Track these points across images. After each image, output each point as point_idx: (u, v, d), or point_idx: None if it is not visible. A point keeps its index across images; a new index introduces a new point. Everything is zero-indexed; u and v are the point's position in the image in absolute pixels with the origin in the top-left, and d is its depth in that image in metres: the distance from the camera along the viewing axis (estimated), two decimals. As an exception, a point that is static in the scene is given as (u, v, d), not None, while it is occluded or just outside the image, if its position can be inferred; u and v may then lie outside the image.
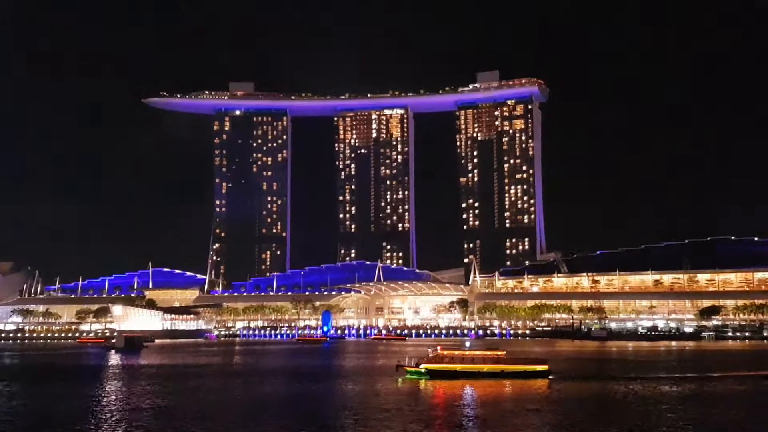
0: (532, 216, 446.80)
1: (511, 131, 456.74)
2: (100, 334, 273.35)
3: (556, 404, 74.00)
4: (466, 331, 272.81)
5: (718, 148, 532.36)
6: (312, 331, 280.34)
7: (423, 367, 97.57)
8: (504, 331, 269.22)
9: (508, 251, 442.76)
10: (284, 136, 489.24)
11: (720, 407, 72.15)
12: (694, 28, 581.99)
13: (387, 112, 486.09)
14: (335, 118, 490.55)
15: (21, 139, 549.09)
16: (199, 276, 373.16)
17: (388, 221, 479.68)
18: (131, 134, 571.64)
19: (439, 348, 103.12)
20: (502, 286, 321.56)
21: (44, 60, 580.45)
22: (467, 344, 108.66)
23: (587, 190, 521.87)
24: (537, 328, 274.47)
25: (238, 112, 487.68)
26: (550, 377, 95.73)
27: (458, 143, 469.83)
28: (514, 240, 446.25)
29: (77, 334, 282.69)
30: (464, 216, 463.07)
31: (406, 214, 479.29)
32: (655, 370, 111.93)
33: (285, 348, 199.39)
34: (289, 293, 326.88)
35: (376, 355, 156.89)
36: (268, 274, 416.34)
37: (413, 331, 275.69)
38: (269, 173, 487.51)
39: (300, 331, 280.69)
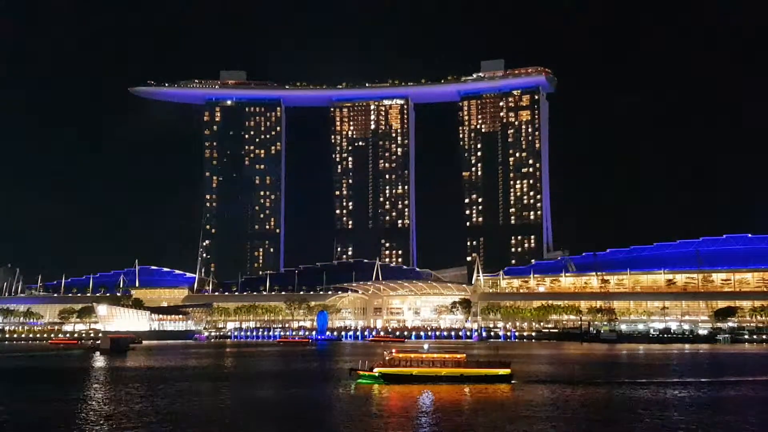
0: (539, 212, 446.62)
1: (516, 123, 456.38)
2: (75, 335, 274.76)
3: (513, 410, 73.26)
4: (468, 333, 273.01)
5: (737, 141, 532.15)
6: (294, 333, 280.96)
7: (377, 371, 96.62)
8: (509, 333, 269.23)
9: (513, 249, 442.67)
10: (278, 128, 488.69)
11: (707, 413, 72.03)
12: (716, 17, 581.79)
13: (386, 102, 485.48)
14: (331, 109, 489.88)
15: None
16: (188, 274, 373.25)
17: (387, 217, 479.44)
18: (117, 126, 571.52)
19: (393, 350, 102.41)
20: (507, 286, 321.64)
21: (24, 49, 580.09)
22: (425, 346, 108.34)
23: (596, 185, 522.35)
24: (543, 330, 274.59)
25: (229, 102, 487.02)
26: (512, 381, 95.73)
27: (461, 135, 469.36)
28: (519, 237, 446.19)
29: (52, 335, 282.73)
30: (467, 212, 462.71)
31: (406, 210, 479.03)
32: (639, 374, 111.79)
33: (273, 350, 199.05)
34: (283, 293, 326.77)
35: (367, 358, 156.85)
36: (260, 272, 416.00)
37: (413, 333, 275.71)
38: (262, 166, 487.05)
39: (281, 333, 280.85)
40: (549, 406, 76.32)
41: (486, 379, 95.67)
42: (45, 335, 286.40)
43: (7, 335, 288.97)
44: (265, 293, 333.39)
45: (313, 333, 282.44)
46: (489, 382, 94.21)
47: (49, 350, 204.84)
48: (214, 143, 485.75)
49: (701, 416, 69.33)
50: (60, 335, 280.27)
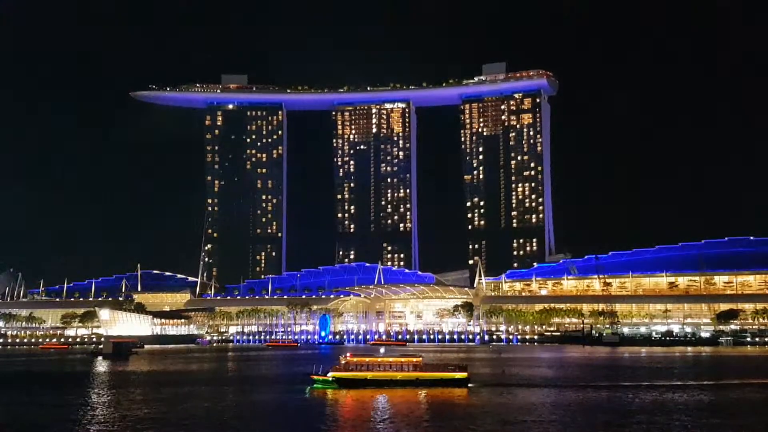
0: (541, 215, 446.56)
1: (518, 126, 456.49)
2: (68, 340, 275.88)
3: (466, 414, 72.99)
4: (471, 336, 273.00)
5: (740, 144, 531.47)
6: (283, 336, 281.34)
7: (331, 376, 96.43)
8: (511, 337, 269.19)
9: (515, 252, 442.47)
10: (279, 132, 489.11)
11: (694, 416, 72.00)
12: (716, 19, 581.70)
13: (388, 106, 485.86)
14: (333, 113, 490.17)
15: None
16: (190, 278, 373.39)
17: (389, 221, 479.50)
18: (119, 130, 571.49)
19: (348, 354, 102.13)
20: (509, 289, 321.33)
21: (26, 54, 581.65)
22: (381, 350, 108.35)
23: (598, 187, 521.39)
24: (545, 333, 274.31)
25: (231, 106, 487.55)
26: (469, 385, 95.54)
27: (463, 139, 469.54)
28: (521, 240, 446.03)
29: (33, 340, 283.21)
30: (469, 215, 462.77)
31: (408, 213, 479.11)
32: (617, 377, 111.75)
33: (267, 354, 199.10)
34: (285, 297, 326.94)
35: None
36: (262, 276, 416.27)
37: (415, 336, 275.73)
38: (264, 170, 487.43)
39: (270, 336, 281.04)
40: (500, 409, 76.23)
41: (442, 382, 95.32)
42: (37, 340, 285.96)
43: (9, 340, 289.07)
44: (267, 297, 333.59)
45: (315, 337, 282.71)
46: (446, 386, 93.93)
47: (40, 355, 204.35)
48: (216, 147, 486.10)
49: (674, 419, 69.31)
50: (53, 340, 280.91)
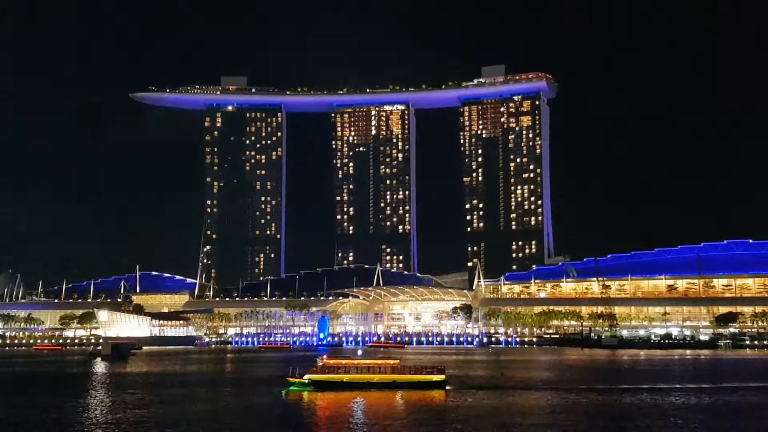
0: (540, 217, 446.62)
1: (517, 128, 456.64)
2: (56, 341, 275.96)
3: (442, 417, 72.78)
4: (470, 338, 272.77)
5: (740, 145, 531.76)
6: (274, 338, 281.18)
7: (307, 378, 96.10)
8: (510, 339, 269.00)
9: (514, 254, 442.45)
10: (279, 133, 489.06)
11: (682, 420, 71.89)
12: (714, 20, 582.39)
13: (387, 108, 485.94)
14: (332, 115, 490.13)
15: None
16: (188, 280, 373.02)
17: (388, 223, 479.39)
18: (118, 131, 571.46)
19: (325, 357, 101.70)
20: (508, 292, 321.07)
21: (26, 54, 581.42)
22: (359, 352, 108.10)
23: (597, 190, 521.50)
24: (544, 336, 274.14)
25: (230, 108, 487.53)
26: (447, 387, 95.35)
27: (462, 141, 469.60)
28: (520, 243, 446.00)
29: (32, 341, 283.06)
30: (468, 217, 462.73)
31: (407, 215, 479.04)
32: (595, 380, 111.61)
33: (268, 356, 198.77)
34: (284, 298, 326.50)
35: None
36: (261, 278, 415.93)
37: (414, 339, 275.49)
38: (263, 172, 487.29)
39: (262, 339, 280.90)
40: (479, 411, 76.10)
41: (420, 385, 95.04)
42: (35, 342, 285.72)
43: (8, 341, 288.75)
44: (265, 299, 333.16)
45: (314, 339, 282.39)
46: (423, 389, 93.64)
47: (39, 356, 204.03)
48: (215, 149, 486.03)
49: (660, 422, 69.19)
50: (44, 341, 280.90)
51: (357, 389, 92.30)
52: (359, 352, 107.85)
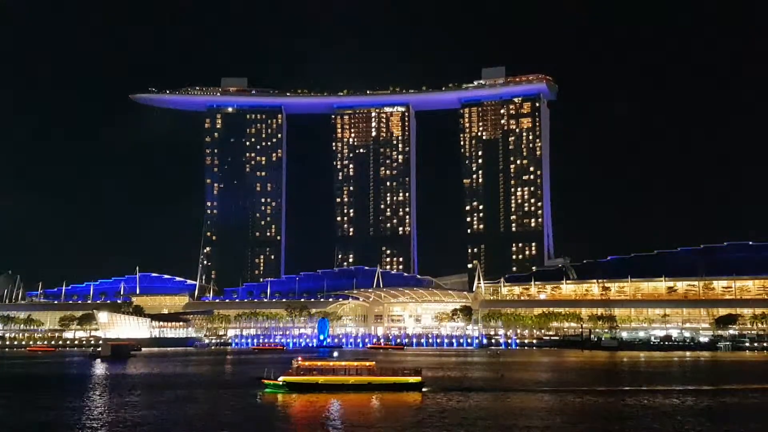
0: (540, 219, 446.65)
1: (517, 130, 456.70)
2: (51, 343, 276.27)
3: (416, 419, 72.58)
4: (469, 340, 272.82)
5: (740, 147, 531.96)
6: (268, 339, 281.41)
7: (281, 380, 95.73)
8: (509, 341, 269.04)
9: (514, 256, 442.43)
10: (279, 135, 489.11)
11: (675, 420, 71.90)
12: (718, 23, 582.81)
13: (387, 109, 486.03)
14: (333, 116, 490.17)
15: None
16: (188, 281, 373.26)
17: (388, 224, 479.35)
18: (118, 132, 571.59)
19: (300, 359, 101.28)
20: (508, 293, 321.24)
21: (26, 54, 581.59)
22: (335, 354, 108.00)
23: (597, 192, 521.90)
24: (544, 338, 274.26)
25: (230, 109, 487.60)
26: (423, 389, 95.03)
27: (462, 143, 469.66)
28: (520, 244, 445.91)
29: (30, 342, 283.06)
30: (468, 219, 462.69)
31: (407, 217, 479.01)
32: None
33: (263, 357, 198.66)
34: (284, 300, 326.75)
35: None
36: (261, 279, 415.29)
37: (414, 340, 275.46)
38: (263, 173, 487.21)
39: (256, 340, 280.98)
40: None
41: (396, 387, 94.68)
42: (35, 343, 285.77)
43: (7, 342, 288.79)
44: (266, 300, 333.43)
45: (314, 340, 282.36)
46: (399, 390, 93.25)
47: (38, 358, 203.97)
48: (215, 150, 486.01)
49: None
50: (40, 342, 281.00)
51: (331, 391, 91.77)
52: (335, 354, 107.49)
